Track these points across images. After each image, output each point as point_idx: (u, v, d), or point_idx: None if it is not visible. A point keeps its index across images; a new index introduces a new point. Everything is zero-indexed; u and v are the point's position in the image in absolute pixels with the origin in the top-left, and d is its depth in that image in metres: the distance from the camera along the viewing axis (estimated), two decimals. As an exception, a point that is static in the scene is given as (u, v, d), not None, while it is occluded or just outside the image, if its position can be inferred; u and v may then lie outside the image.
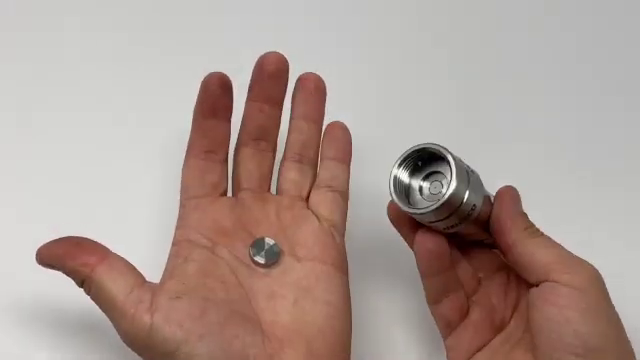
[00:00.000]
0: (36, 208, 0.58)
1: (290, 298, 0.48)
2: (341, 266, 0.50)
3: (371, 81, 0.66)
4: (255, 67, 0.52)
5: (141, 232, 0.57)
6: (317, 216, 0.51)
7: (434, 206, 0.46)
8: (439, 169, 0.48)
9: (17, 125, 0.61)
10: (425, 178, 0.48)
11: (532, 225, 0.48)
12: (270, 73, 0.51)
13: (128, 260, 0.48)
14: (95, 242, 0.48)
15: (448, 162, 0.46)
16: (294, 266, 0.49)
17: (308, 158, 0.53)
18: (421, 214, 0.46)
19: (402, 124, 0.64)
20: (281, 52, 0.51)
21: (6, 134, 0.60)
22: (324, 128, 0.54)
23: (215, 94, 0.50)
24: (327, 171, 0.53)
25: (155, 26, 0.67)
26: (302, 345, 0.46)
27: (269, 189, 0.53)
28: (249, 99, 0.52)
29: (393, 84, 0.66)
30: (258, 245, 0.49)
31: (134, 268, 0.47)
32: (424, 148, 0.47)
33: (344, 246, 0.51)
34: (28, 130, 0.61)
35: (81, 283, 0.47)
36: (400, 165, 0.48)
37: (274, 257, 0.49)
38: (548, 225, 0.48)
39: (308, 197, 0.53)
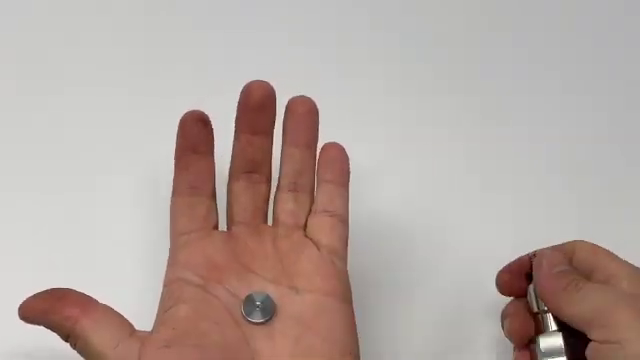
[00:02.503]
0: (16, 255, 0.56)
1: (291, 336, 0.45)
2: (344, 295, 0.47)
3: (365, 99, 0.64)
4: (240, 98, 0.49)
5: (130, 275, 0.55)
6: (316, 243, 0.48)
7: None
8: None
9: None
10: None
11: (570, 279, 0.47)
12: (255, 104, 0.49)
13: (115, 309, 0.45)
14: (79, 293, 0.45)
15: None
16: (294, 300, 0.46)
17: (303, 185, 0.50)
18: None
19: (400, 141, 0.62)
20: (265, 80, 0.49)
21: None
22: (319, 149, 0.51)
23: (193, 131, 0.48)
24: (324, 195, 0.50)
25: (139, 58, 0.65)
26: None
27: (265, 220, 0.50)
28: (237, 131, 0.50)
29: (388, 101, 0.64)
30: (249, 302, 0.46)
31: (122, 318, 0.45)
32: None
33: (346, 272, 0.48)
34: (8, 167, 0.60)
35: (66, 338, 0.44)
36: None
37: (269, 313, 0.45)
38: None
39: (306, 225, 0.50)
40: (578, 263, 0.49)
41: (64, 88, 0.64)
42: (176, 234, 0.48)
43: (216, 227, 0.49)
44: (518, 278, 0.51)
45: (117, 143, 0.61)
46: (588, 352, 0.44)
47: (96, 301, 0.45)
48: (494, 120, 0.65)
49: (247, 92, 0.49)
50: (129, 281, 0.54)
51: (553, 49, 0.68)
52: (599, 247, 0.50)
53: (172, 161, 0.49)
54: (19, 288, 0.45)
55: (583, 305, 0.45)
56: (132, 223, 0.58)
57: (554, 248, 0.50)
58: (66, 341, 0.44)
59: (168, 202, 0.50)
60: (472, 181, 0.61)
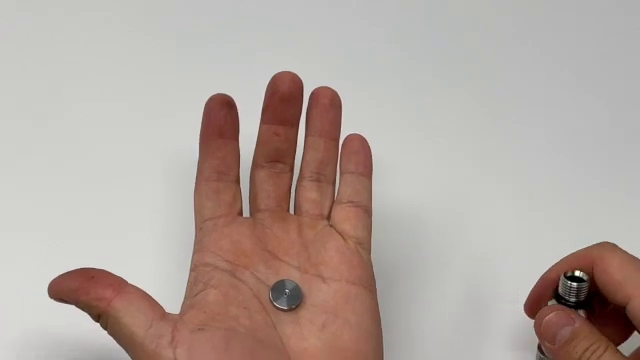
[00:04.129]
0: (42, 239, 0.56)
1: (318, 322, 0.46)
2: (369, 285, 0.48)
3: (385, 92, 0.64)
4: (268, 89, 0.49)
5: (152, 261, 0.55)
6: (341, 234, 0.49)
7: None
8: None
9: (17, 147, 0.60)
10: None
11: (585, 347, 0.44)
12: (283, 96, 0.49)
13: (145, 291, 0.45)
14: (110, 273, 0.45)
15: None
16: (320, 287, 0.47)
17: (326, 176, 0.51)
18: None
19: (419, 134, 0.63)
20: (294, 71, 0.50)
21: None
22: (341, 141, 0.52)
23: (219, 115, 0.49)
24: (349, 186, 0.50)
25: (155, 46, 0.65)
26: None
27: (288, 209, 0.51)
28: (263, 121, 0.50)
29: (408, 96, 0.65)
30: (278, 289, 0.47)
31: (153, 300, 0.45)
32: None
33: (371, 264, 0.49)
34: (29, 152, 0.60)
35: (97, 318, 0.44)
36: None
37: (296, 301, 0.46)
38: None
39: (329, 216, 0.50)
40: (600, 276, 0.47)
41: (78, 78, 0.63)
42: (202, 219, 0.49)
43: (241, 213, 0.50)
44: (545, 300, 0.50)
45: (140, 127, 0.61)
46: None
47: (128, 282, 0.45)
48: (510, 115, 0.65)
49: (275, 83, 0.49)
50: (149, 266, 0.54)
51: (566, 46, 0.68)
52: (630, 258, 0.47)
53: (194, 146, 0.50)
54: (36, 274, 0.46)
55: None
56: (153, 208, 0.58)
57: (567, 261, 0.49)
58: (97, 321, 0.44)
59: (189, 187, 0.50)
60: (487, 174, 0.62)
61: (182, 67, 0.63)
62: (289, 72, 0.49)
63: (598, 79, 0.67)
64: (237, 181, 0.50)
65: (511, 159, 0.63)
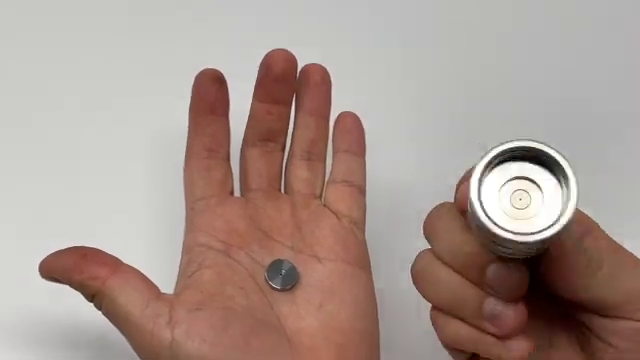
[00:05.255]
0: (30, 219, 0.55)
1: (314, 302, 0.45)
2: (364, 264, 0.48)
3: (377, 68, 0.63)
4: (261, 66, 0.48)
5: (140, 242, 0.54)
6: (335, 213, 0.48)
7: (548, 233, 0.34)
8: (530, 175, 0.35)
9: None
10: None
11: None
12: (277, 76, 0.48)
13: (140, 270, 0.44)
14: (104, 252, 0.44)
15: (564, 172, 0.34)
16: (315, 267, 0.47)
17: (317, 154, 0.50)
18: (523, 243, 0.34)
19: (411, 110, 0.61)
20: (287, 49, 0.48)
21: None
22: (333, 119, 0.51)
23: (210, 90, 0.48)
24: (342, 165, 0.50)
25: (138, 20, 0.63)
26: (332, 353, 0.44)
27: (280, 189, 0.50)
28: (255, 99, 0.49)
29: (398, 69, 0.63)
30: (275, 268, 0.46)
31: (148, 279, 0.44)
32: (531, 148, 0.35)
33: (365, 243, 0.49)
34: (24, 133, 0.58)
35: (91, 298, 0.43)
36: (488, 166, 0.35)
37: (291, 282, 0.46)
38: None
39: (321, 195, 0.50)
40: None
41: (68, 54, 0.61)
42: (194, 198, 0.48)
43: (232, 192, 0.49)
44: None
45: (126, 106, 0.59)
46: (622, 331, 0.38)
47: (122, 262, 0.44)
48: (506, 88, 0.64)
49: (269, 61, 0.48)
50: (137, 247, 0.52)
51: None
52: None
53: (182, 123, 0.49)
54: (25, 255, 0.45)
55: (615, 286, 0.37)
56: (139, 189, 0.56)
57: None
58: (91, 301, 0.44)
59: (176, 167, 0.49)
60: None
61: (166, 41, 0.62)
62: (283, 50, 0.48)
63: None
64: (228, 159, 0.49)
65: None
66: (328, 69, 0.51)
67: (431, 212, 0.40)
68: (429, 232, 0.40)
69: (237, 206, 0.48)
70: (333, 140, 0.51)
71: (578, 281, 0.37)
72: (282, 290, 0.45)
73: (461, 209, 0.37)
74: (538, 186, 0.35)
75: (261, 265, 0.46)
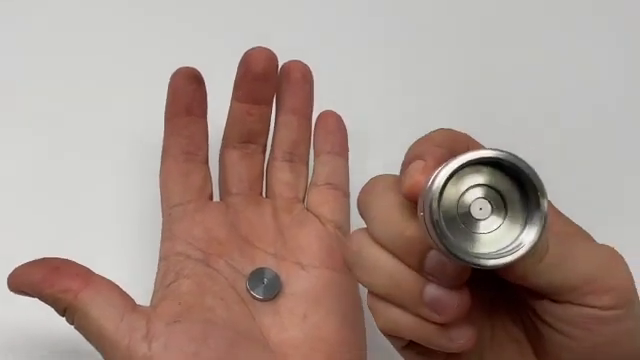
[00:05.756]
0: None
1: (299, 312, 0.44)
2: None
3: (359, 65, 0.61)
4: (240, 65, 0.46)
5: (118, 248, 0.51)
6: (319, 217, 0.47)
7: (502, 261, 0.31)
8: (497, 185, 0.33)
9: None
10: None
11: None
12: (257, 75, 0.46)
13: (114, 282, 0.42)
14: (75, 263, 0.42)
15: (536, 198, 0.32)
16: (299, 275, 0.45)
17: (299, 156, 0.48)
18: (475, 264, 0.32)
19: (396, 110, 0.60)
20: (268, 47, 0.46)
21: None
22: (315, 119, 0.50)
23: (186, 90, 0.46)
24: (325, 167, 0.48)
25: (114, 19, 0.61)
26: None
27: (261, 193, 0.48)
28: (235, 99, 0.47)
29: (382, 66, 0.62)
30: (257, 277, 0.44)
31: (122, 291, 0.42)
32: (503, 159, 0.32)
33: None
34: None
35: (63, 312, 0.41)
36: (452, 175, 0.32)
37: (274, 291, 0.44)
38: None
39: (304, 198, 0.48)
40: None
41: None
42: (170, 204, 0.46)
43: (211, 197, 0.47)
44: None
45: (100, 106, 0.57)
46: (572, 317, 0.35)
47: (94, 273, 0.42)
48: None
49: (248, 60, 0.46)
50: (114, 254, 0.51)
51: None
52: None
53: (160, 124, 0.47)
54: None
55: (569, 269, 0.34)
56: (118, 193, 0.54)
57: None
58: (62, 315, 0.41)
59: (154, 171, 0.47)
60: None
61: (143, 40, 0.60)
62: (263, 49, 0.46)
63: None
64: (206, 162, 0.47)
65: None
66: (310, 66, 0.49)
67: (366, 186, 0.37)
68: (364, 209, 0.36)
69: (216, 212, 0.46)
70: (314, 141, 0.49)
71: (525, 267, 0.33)
72: (264, 300, 0.44)
73: (406, 197, 0.34)
74: (503, 199, 0.33)
75: (242, 274, 0.44)
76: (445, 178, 0.31)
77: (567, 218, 0.38)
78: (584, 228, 0.39)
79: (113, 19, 0.60)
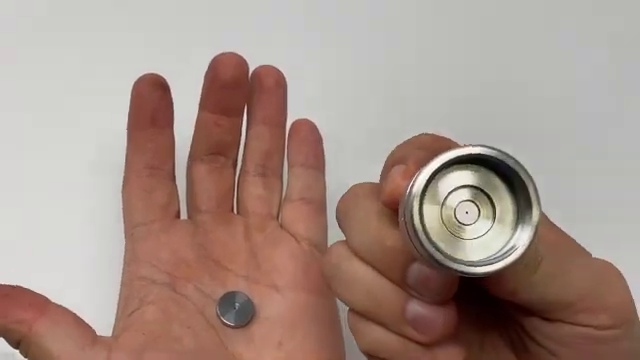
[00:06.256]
0: None
1: (273, 339, 0.41)
2: (328, 292, 0.42)
3: (333, 70, 0.58)
4: (208, 73, 0.43)
5: (77, 275, 0.48)
6: (293, 235, 0.44)
7: (489, 268, 0.29)
8: (484, 186, 0.30)
9: None
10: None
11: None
12: (226, 81, 0.43)
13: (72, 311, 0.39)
14: (29, 291, 0.39)
15: (526, 196, 0.29)
16: (274, 298, 0.42)
17: (273, 169, 0.46)
18: (460, 272, 0.29)
19: (375, 116, 0.57)
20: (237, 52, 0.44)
21: None
22: (288, 129, 0.47)
23: (151, 98, 0.43)
24: (299, 180, 0.45)
25: (77, 25, 0.57)
26: None
27: (232, 209, 0.45)
28: (202, 109, 0.44)
29: (360, 72, 0.59)
30: (228, 302, 0.41)
31: (81, 321, 0.39)
32: (489, 156, 0.29)
33: None
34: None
35: (16, 344, 0.38)
36: (434, 176, 0.29)
37: (247, 317, 0.41)
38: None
39: (279, 215, 0.45)
40: None
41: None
42: (133, 224, 0.43)
43: (178, 215, 0.44)
44: None
45: (60, 116, 0.53)
46: (564, 337, 0.33)
47: (51, 302, 0.39)
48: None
49: (216, 66, 0.43)
50: (75, 278, 0.47)
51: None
52: None
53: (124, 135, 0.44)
54: None
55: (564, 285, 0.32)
56: (81, 211, 0.51)
57: None
58: (16, 348, 0.38)
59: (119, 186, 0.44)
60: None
61: (110, 44, 0.56)
62: (232, 54, 0.43)
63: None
64: (172, 177, 0.45)
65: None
66: (283, 71, 0.46)
67: (345, 195, 0.34)
68: (342, 220, 0.34)
69: (184, 232, 0.43)
70: (288, 152, 0.47)
71: (516, 281, 0.31)
72: (236, 327, 0.41)
73: (387, 204, 0.31)
74: (491, 201, 0.30)
75: (212, 299, 0.41)
76: (426, 179, 0.29)
77: (560, 229, 0.36)
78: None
79: (82, 21, 0.57)
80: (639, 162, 0.57)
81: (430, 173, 0.29)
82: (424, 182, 0.29)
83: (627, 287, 0.33)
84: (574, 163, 0.56)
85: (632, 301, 0.33)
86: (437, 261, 0.29)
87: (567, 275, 0.32)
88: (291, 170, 0.46)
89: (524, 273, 0.31)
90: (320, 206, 0.45)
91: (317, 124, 0.47)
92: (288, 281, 0.42)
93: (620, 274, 0.33)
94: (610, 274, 0.33)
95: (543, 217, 0.33)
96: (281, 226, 0.45)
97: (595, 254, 0.34)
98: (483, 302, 0.34)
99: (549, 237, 0.33)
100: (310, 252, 0.44)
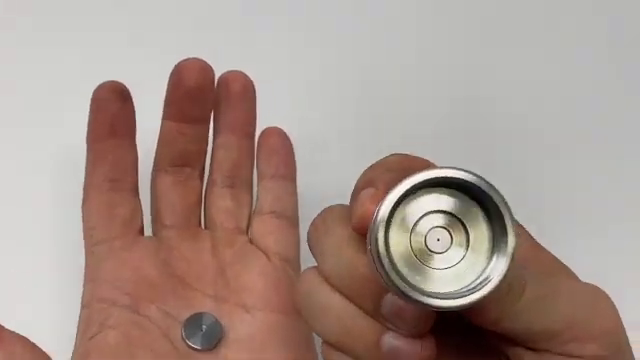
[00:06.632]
0: None
1: None
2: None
3: (302, 74, 0.56)
4: (171, 80, 0.41)
5: (37, 295, 0.45)
6: (264, 251, 0.42)
7: (462, 301, 0.27)
8: (457, 211, 0.28)
9: None
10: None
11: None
12: (190, 88, 0.41)
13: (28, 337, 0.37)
14: None
15: (501, 222, 0.27)
16: (243, 319, 0.40)
17: (242, 180, 0.44)
18: (430, 306, 0.27)
19: (350, 123, 0.55)
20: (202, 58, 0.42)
21: None
22: (257, 137, 0.45)
23: (111, 108, 0.41)
24: (269, 193, 0.43)
25: (31, 30, 0.55)
26: None
27: (199, 223, 0.43)
28: (165, 117, 0.42)
29: (332, 74, 0.56)
30: (194, 324, 0.39)
31: (37, 348, 0.37)
32: (460, 179, 0.27)
33: None
34: None
35: None
36: (401, 200, 0.28)
37: (214, 339, 0.39)
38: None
39: (248, 229, 0.43)
40: None
41: None
42: (93, 242, 0.41)
43: (141, 232, 0.42)
44: None
45: (17, 127, 0.51)
46: None
47: (4, 328, 0.37)
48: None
49: (180, 74, 0.41)
50: (34, 300, 0.45)
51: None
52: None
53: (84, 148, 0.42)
54: None
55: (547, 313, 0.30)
56: (40, 227, 0.48)
57: None
58: (-34, 380, 0.36)
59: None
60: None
61: (69, 51, 0.54)
62: (197, 59, 0.41)
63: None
64: (135, 190, 0.42)
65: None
66: (251, 77, 0.44)
67: (316, 218, 0.33)
68: (313, 245, 0.32)
69: (147, 249, 0.41)
70: (257, 163, 0.45)
71: (499, 309, 0.29)
72: (203, 350, 0.39)
73: (357, 230, 0.30)
74: (465, 228, 0.28)
75: (177, 321, 0.39)
76: (393, 204, 0.27)
77: (547, 251, 0.34)
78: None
79: (39, 28, 0.55)
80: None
81: (396, 198, 0.27)
82: (390, 207, 0.27)
83: (617, 313, 0.31)
84: (575, 163, 0.55)
85: (622, 327, 0.31)
86: (404, 293, 0.27)
87: (554, 302, 0.30)
88: (261, 182, 0.44)
89: (507, 301, 0.29)
90: (292, 219, 0.43)
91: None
92: (258, 300, 0.40)
93: (609, 298, 0.31)
94: (599, 299, 0.31)
95: (526, 236, 0.32)
96: (251, 241, 0.43)
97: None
98: (464, 332, 0.32)
99: (533, 259, 0.32)
100: (282, 268, 0.41)
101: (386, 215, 0.27)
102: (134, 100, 0.42)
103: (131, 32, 0.55)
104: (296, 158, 0.46)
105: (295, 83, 0.53)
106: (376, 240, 0.27)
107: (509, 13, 0.58)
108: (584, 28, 0.58)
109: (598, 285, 0.32)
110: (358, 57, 0.56)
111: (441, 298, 0.27)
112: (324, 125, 0.52)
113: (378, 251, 0.27)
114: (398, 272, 0.27)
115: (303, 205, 0.45)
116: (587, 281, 0.33)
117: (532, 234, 0.34)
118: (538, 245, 0.34)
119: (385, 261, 0.27)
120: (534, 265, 0.32)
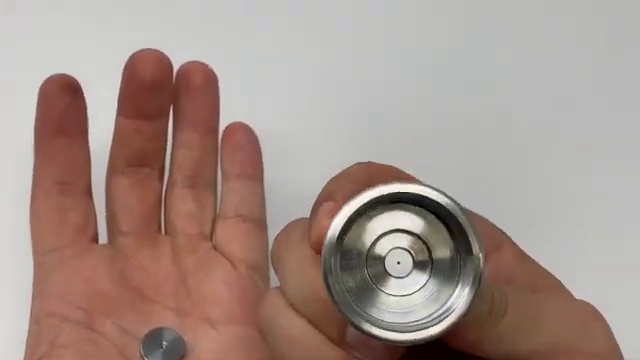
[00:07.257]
0: None
1: None
2: None
3: (269, 65, 0.54)
4: (125, 73, 0.39)
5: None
6: (229, 258, 0.39)
7: (425, 334, 0.25)
8: (419, 230, 0.26)
9: None
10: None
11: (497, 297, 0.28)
12: (146, 82, 0.39)
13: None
14: None
15: (466, 243, 0.25)
16: (208, 334, 0.38)
17: (204, 180, 0.41)
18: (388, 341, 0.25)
19: (320, 119, 0.52)
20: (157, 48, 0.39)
21: None
22: (221, 134, 0.42)
23: (59, 104, 0.39)
24: (234, 195, 0.41)
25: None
26: None
27: (159, 229, 0.41)
28: (120, 114, 0.40)
29: (301, 65, 0.54)
30: (153, 340, 0.37)
31: None
32: (421, 196, 0.25)
33: None
34: None
35: None
36: (354, 219, 0.25)
37: (176, 356, 0.37)
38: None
39: (212, 235, 0.41)
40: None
41: None
42: (42, 250, 0.39)
43: (95, 239, 0.40)
44: None
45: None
46: None
47: None
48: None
49: (135, 66, 0.39)
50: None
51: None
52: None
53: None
54: None
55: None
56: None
57: None
58: None
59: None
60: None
61: (22, 44, 0.51)
62: (152, 50, 0.39)
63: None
64: (88, 194, 0.40)
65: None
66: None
67: (279, 234, 0.31)
68: (276, 265, 0.30)
69: (101, 258, 0.39)
70: (221, 162, 0.42)
71: (478, 332, 0.27)
72: None
73: (316, 249, 0.27)
74: (428, 249, 0.26)
75: (135, 337, 0.37)
76: (343, 223, 0.25)
77: (535, 263, 0.32)
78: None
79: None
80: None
81: (348, 216, 0.25)
82: (341, 225, 0.25)
83: (610, 333, 0.29)
84: (575, 163, 0.53)
85: (617, 349, 0.29)
86: (353, 324, 0.25)
87: (539, 322, 0.28)
88: (225, 182, 0.41)
89: (488, 322, 0.27)
90: (259, 223, 0.41)
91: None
92: (222, 312, 0.38)
93: (602, 318, 0.29)
94: (590, 318, 0.29)
95: (511, 245, 0.30)
96: (214, 247, 0.40)
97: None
98: (443, 356, 0.29)
99: (518, 271, 0.30)
100: (248, 277, 0.39)
101: (336, 235, 0.25)
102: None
103: (131, 32, 0.52)
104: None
105: (295, 83, 0.52)
106: (323, 265, 0.25)
107: (509, 13, 0.57)
108: (584, 28, 0.57)
109: (591, 300, 0.30)
110: (358, 57, 0.55)
111: (398, 331, 0.25)
112: (324, 125, 0.50)
113: (326, 274, 0.25)
114: (346, 300, 0.25)
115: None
116: (578, 294, 0.31)
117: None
118: (524, 255, 0.32)
119: (334, 287, 0.25)
120: (519, 278, 0.30)
